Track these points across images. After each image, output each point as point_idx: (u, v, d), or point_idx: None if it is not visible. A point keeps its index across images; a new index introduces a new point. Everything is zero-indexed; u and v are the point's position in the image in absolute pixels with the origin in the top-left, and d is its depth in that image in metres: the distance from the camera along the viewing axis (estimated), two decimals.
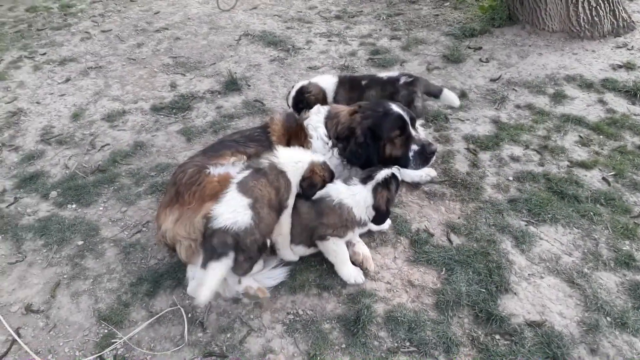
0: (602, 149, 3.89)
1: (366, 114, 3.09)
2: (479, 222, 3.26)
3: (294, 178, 2.76)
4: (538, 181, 3.58)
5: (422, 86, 3.73)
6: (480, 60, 5.32)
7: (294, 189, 2.78)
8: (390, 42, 5.91)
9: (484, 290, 2.78)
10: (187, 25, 6.77)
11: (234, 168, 2.93)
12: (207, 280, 2.36)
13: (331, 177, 2.91)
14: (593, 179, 3.59)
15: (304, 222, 2.80)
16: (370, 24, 6.50)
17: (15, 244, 3.29)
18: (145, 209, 3.54)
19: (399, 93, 3.65)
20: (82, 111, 4.80)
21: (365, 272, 2.91)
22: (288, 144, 3.24)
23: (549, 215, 3.27)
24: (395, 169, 2.92)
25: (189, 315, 2.74)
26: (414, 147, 3.10)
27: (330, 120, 3.22)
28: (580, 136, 4.05)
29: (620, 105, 4.41)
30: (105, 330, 2.69)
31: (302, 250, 2.94)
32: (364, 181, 2.83)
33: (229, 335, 2.64)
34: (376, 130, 3.04)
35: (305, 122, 3.25)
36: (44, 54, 6.05)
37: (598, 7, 5.33)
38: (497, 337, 2.55)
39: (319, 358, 2.49)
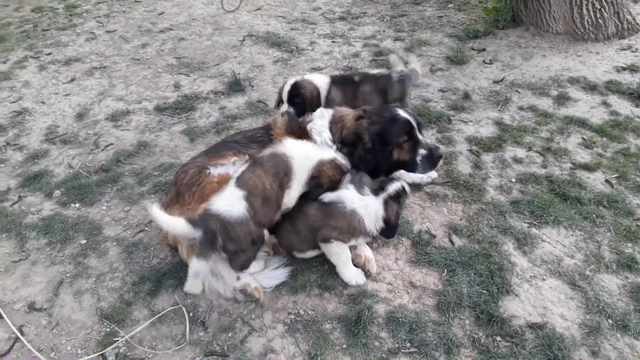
0: (606, 151, 3.88)
1: (373, 119, 3.07)
2: (481, 223, 3.26)
3: (300, 169, 2.72)
4: (541, 183, 3.58)
5: (411, 81, 3.88)
6: (484, 61, 5.32)
7: (299, 180, 2.73)
8: (394, 43, 5.92)
9: (485, 291, 2.78)
10: (192, 25, 6.79)
11: (234, 167, 2.94)
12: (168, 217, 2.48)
13: (341, 174, 2.85)
14: (596, 181, 3.58)
15: (310, 224, 2.78)
16: (374, 25, 6.50)
17: (19, 243, 3.31)
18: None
19: (392, 89, 3.78)
20: (86, 111, 4.83)
21: (367, 274, 2.91)
22: None
23: (551, 217, 3.26)
24: (403, 182, 2.89)
25: (191, 314, 2.76)
26: (422, 151, 3.11)
27: (334, 124, 3.19)
28: (583, 138, 4.04)
29: (624, 107, 4.40)
30: (108, 329, 2.70)
31: (310, 253, 2.95)
32: (376, 192, 2.79)
33: (230, 334, 2.64)
34: (384, 135, 3.03)
35: (309, 126, 3.22)
36: (49, 54, 6.09)
37: (602, 9, 5.31)
38: (498, 338, 2.55)
39: (319, 358, 2.49)
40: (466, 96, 4.71)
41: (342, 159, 2.87)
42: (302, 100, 3.75)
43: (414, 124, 3.08)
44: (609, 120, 4.22)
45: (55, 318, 2.79)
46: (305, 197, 2.80)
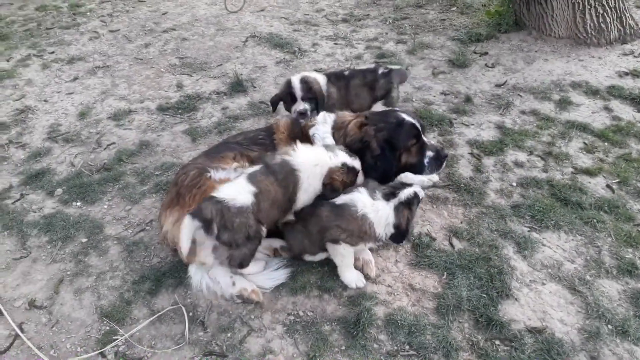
0: (607, 156, 3.88)
1: (379, 126, 3.06)
2: (482, 227, 3.26)
3: (309, 179, 2.75)
4: (542, 187, 3.58)
5: (397, 77, 3.97)
6: (486, 65, 5.32)
7: (307, 189, 2.76)
8: (396, 46, 5.93)
9: (484, 295, 2.78)
10: (195, 26, 6.81)
11: (235, 174, 2.95)
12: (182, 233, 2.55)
13: (354, 175, 2.86)
14: (597, 186, 3.58)
15: (322, 224, 2.76)
16: (377, 27, 6.51)
17: (20, 240, 3.32)
18: (150, 207, 3.56)
19: (379, 82, 3.91)
20: (88, 110, 4.84)
21: (366, 277, 2.92)
22: None
23: (552, 222, 3.26)
24: (417, 187, 2.86)
25: (190, 314, 2.76)
26: (429, 153, 3.14)
27: (337, 130, 3.19)
28: (585, 143, 4.04)
29: (626, 112, 4.40)
30: (107, 327, 2.71)
31: (321, 255, 2.94)
32: (388, 197, 2.77)
33: (229, 334, 2.65)
34: (393, 141, 3.04)
35: (312, 131, 3.21)
36: (53, 52, 6.11)
37: (605, 13, 5.32)
38: (497, 342, 2.55)
39: (318, 359, 2.49)
40: (468, 99, 4.71)
41: (351, 160, 2.86)
42: (314, 96, 3.79)
43: (419, 126, 3.09)
44: (611, 125, 4.22)
45: (55, 316, 2.80)
46: (321, 198, 2.81)
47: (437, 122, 4.36)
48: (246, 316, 2.74)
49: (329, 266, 2.95)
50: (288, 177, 2.72)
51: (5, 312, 2.79)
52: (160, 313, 2.76)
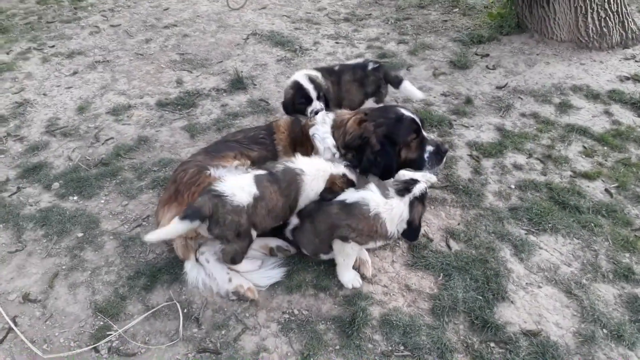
0: (606, 161, 3.87)
1: (378, 121, 3.04)
2: (479, 229, 3.25)
3: (312, 183, 2.76)
4: (540, 190, 3.57)
5: (384, 73, 3.93)
6: (487, 67, 5.31)
7: (309, 193, 2.78)
8: (398, 46, 5.92)
9: (480, 297, 2.77)
10: (196, 22, 6.79)
11: (235, 172, 2.94)
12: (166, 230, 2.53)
13: (352, 186, 2.88)
14: (595, 190, 3.57)
15: (331, 222, 2.73)
16: (379, 27, 6.50)
17: (16, 234, 3.31)
18: (146, 203, 3.55)
19: (369, 78, 3.87)
20: (87, 104, 4.83)
21: (362, 277, 2.91)
22: (294, 154, 3.22)
23: (549, 225, 3.26)
24: (423, 181, 2.84)
25: (185, 310, 2.75)
26: (429, 148, 3.11)
27: (336, 129, 3.17)
28: (584, 147, 4.03)
29: (626, 117, 4.39)
30: (101, 322, 2.70)
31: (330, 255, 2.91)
32: (401, 194, 2.72)
33: (223, 332, 2.64)
34: (393, 136, 3.01)
35: (311, 131, 3.19)
36: (53, 46, 6.10)
37: (607, 18, 5.31)
38: (492, 344, 2.54)
39: (312, 358, 2.49)
40: (468, 101, 4.70)
41: (350, 174, 2.90)
42: (324, 94, 3.72)
43: (419, 121, 3.08)
44: (611, 130, 4.22)
45: (49, 310, 2.79)
46: (320, 199, 2.82)
47: (437, 123, 4.35)
48: (241, 314, 2.73)
49: (325, 265, 2.94)
50: (291, 184, 2.73)
51: None
52: (154, 309, 2.75)
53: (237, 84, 5.08)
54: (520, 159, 3.91)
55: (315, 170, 2.80)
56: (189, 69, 5.50)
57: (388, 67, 4.05)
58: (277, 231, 3.00)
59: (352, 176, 2.91)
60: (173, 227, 2.50)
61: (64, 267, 3.06)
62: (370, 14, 6.96)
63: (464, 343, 2.56)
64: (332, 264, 2.90)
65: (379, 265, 3.01)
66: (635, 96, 4.59)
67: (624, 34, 5.44)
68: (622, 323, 2.63)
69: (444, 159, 3.21)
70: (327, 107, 3.70)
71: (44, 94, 5.03)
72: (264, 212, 2.67)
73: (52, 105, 4.84)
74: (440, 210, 3.43)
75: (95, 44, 6.15)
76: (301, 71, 3.84)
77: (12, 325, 2.67)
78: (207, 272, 2.81)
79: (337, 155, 3.12)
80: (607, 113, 4.45)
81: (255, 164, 3.11)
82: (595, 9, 5.27)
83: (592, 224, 3.25)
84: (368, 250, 3.03)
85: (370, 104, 3.96)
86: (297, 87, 3.66)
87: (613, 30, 5.38)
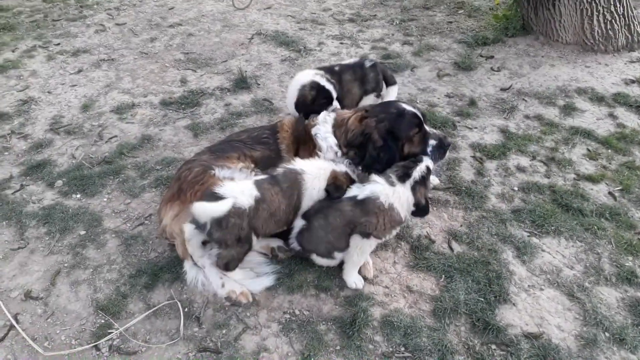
0: (610, 164, 3.85)
1: (380, 117, 3.04)
2: (481, 230, 3.24)
3: (313, 182, 2.78)
4: (543, 193, 3.56)
5: (381, 70, 3.99)
6: (492, 69, 5.30)
7: (312, 193, 2.79)
8: (402, 47, 5.91)
9: (482, 299, 2.76)
10: (201, 21, 6.80)
11: (240, 174, 2.95)
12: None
13: (352, 184, 2.91)
14: (599, 193, 3.56)
15: (348, 219, 2.72)
16: (384, 28, 6.49)
17: (19, 231, 3.32)
18: (149, 202, 3.56)
19: (368, 75, 3.88)
20: (92, 102, 4.84)
21: (364, 278, 2.91)
22: (297, 152, 3.23)
23: (552, 228, 3.24)
24: (427, 160, 2.87)
25: (186, 309, 2.75)
26: (432, 142, 3.11)
27: (338, 128, 3.17)
28: (588, 149, 4.01)
29: (630, 120, 4.37)
30: (102, 320, 2.70)
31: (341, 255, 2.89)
32: (403, 179, 2.76)
33: (224, 331, 2.64)
34: (395, 131, 3.01)
35: (313, 131, 3.20)
36: (58, 44, 6.11)
37: (613, 20, 5.29)
38: (493, 347, 2.53)
39: (313, 359, 2.48)
40: (472, 103, 4.69)
41: (352, 173, 2.96)
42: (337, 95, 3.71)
43: (420, 115, 3.07)
44: (615, 133, 4.20)
45: (50, 307, 2.79)
46: (327, 197, 2.83)
47: (441, 125, 4.34)
48: (242, 313, 2.73)
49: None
50: (293, 185, 2.74)
51: (0, 303, 2.79)
52: (155, 308, 2.76)
53: (241, 83, 5.09)
54: (524, 161, 3.89)
55: (316, 169, 2.82)
56: (193, 68, 5.51)
57: (383, 66, 4.11)
58: (279, 233, 2.99)
59: (353, 176, 2.96)
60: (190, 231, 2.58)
61: (66, 264, 3.07)
62: (375, 15, 6.95)
63: (465, 345, 2.55)
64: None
65: (381, 266, 3.00)
66: None
67: (629, 37, 5.42)
68: (624, 327, 2.61)
69: (447, 152, 3.20)
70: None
71: (49, 92, 5.05)
72: (266, 215, 2.67)
73: (57, 103, 4.85)
74: (443, 212, 3.43)
75: (100, 43, 6.17)
76: (306, 72, 3.80)
77: (14, 323, 2.68)
78: (204, 275, 2.82)
79: (340, 153, 3.11)
80: (612, 116, 4.43)
81: (259, 164, 3.11)
82: (601, 11, 5.25)
83: (596, 227, 3.23)
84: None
85: (371, 99, 3.96)
86: (318, 87, 3.59)
87: (619, 33, 5.36)
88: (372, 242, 2.77)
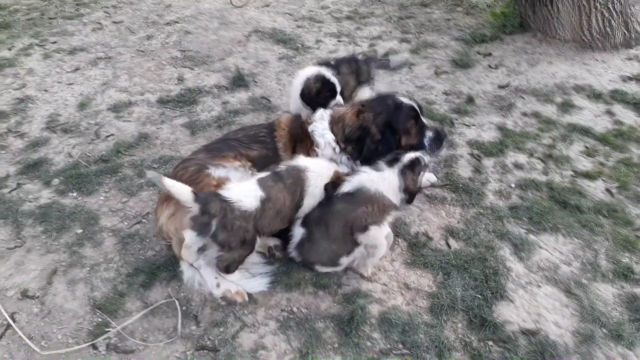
0: (608, 160, 3.86)
1: (377, 110, 3.05)
2: (479, 227, 3.24)
3: (316, 180, 2.79)
4: (541, 190, 3.56)
5: (374, 60, 4.14)
6: (490, 66, 5.29)
7: (314, 191, 2.79)
8: (400, 44, 5.90)
9: (479, 296, 2.77)
10: (198, 19, 6.78)
11: (235, 173, 2.94)
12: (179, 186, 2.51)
13: None
14: (596, 189, 3.56)
15: (345, 218, 2.71)
16: (381, 25, 6.48)
17: (15, 230, 3.31)
18: (146, 200, 3.55)
19: (362, 68, 3.97)
20: (88, 101, 4.82)
21: (360, 276, 2.91)
22: (294, 150, 3.22)
23: (549, 224, 3.25)
24: (422, 153, 2.91)
25: (183, 308, 2.75)
26: (429, 133, 3.12)
27: (335, 125, 3.17)
28: (586, 146, 4.02)
29: (628, 117, 4.37)
30: (99, 319, 2.70)
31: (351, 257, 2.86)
32: (391, 164, 2.80)
33: (222, 329, 2.64)
34: (392, 124, 3.02)
35: (310, 129, 3.19)
36: (55, 42, 6.09)
37: (611, 18, 5.28)
38: (491, 343, 2.54)
39: (311, 356, 2.48)
40: (470, 100, 4.69)
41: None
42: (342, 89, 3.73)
43: (417, 107, 3.07)
44: (613, 130, 4.20)
45: (47, 306, 2.78)
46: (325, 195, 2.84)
47: (439, 122, 4.33)
48: (239, 311, 2.73)
49: None
50: (296, 181, 2.74)
51: None
52: (153, 306, 2.75)
53: (239, 81, 5.07)
54: (521, 158, 3.90)
55: (320, 168, 2.84)
56: (191, 66, 5.49)
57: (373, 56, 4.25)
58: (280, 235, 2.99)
59: None
60: (182, 188, 2.49)
61: (62, 263, 3.06)
62: (373, 12, 6.93)
63: (463, 341, 2.55)
64: None
65: (378, 264, 3.00)
66: (637, 96, 4.58)
67: (627, 34, 5.41)
68: (621, 323, 2.62)
69: (444, 144, 3.21)
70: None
71: (45, 90, 5.02)
72: (273, 213, 2.67)
73: (53, 101, 4.84)
74: (440, 209, 3.43)
75: (97, 41, 6.15)
76: (312, 67, 3.79)
77: (11, 322, 2.67)
78: (200, 274, 2.81)
79: (338, 149, 3.11)
80: (609, 113, 4.43)
81: (256, 163, 3.11)
82: (599, 8, 5.25)
83: (593, 224, 3.24)
84: None
85: (366, 91, 4.00)
86: (324, 80, 3.61)
87: (616, 30, 5.36)
88: (377, 229, 2.71)
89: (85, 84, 5.13)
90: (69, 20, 6.77)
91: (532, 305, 2.74)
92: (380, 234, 2.73)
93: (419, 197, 3.50)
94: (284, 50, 5.84)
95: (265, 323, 2.67)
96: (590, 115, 4.42)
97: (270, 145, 3.24)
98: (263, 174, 2.78)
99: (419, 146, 3.13)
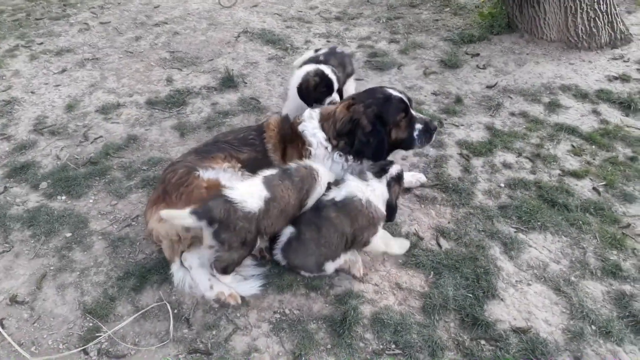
0: (594, 159, 3.91)
1: (367, 102, 3.05)
2: (469, 227, 3.27)
3: (324, 178, 2.84)
4: (529, 189, 3.60)
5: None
6: (478, 66, 5.34)
7: (319, 192, 2.83)
8: (389, 45, 5.92)
9: (471, 295, 2.79)
10: (187, 20, 6.75)
11: (224, 174, 2.93)
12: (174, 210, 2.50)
13: None
14: (584, 188, 3.61)
15: (339, 229, 2.71)
16: (370, 26, 6.50)
17: (3, 234, 3.27)
18: (136, 203, 3.52)
19: (345, 60, 4.07)
20: (76, 102, 4.77)
21: (353, 277, 2.92)
22: (284, 151, 3.22)
23: (538, 223, 3.28)
24: (397, 164, 2.94)
25: (175, 311, 2.73)
26: (418, 126, 3.13)
27: (325, 122, 3.17)
28: (573, 145, 4.07)
29: (613, 116, 4.44)
30: (90, 324, 2.67)
31: (343, 257, 2.87)
32: (379, 175, 2.81)
33: (214, 332, 2.63)
34: (383, 116, 3.02)
35: (300, 128, 3.19)
36: (41, 43, 6.02)
37: (597, 18, 5.35)
38: (482, 342, 2.56)
39: (304, 358, 2.49)
40: (458, 100, 4.72)
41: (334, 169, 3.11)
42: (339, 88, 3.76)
43: (406, 100, 3.09)
44: (599, 129, 4.26)
45: (37, 312, 2.75)
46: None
47: None
48: (232, 314, 2.72)
49: None
50: (304, 179, 2.75)
51: None
52: (144, 310, 2.74)
53: (228, 82, 5.06)
54: (510, 157, 3.93)
55: (324, 168, 2.92)
56: (179, 67, 5.46)
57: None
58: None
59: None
60: (179, 214, 2.48)
61: (52, 268, 3.02)
62: (362, 13, 6.95)
63: (455, 341, 2.57)
64: None
65: (370, 264, 3.01)
66: (622, 95, 4.64)
67: (612, 34, 5.49)
68: (610, 319, 2.65)
69: (434, 136, 3.22)
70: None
71: (32, 92, 4.97)
72: (277, 212, 2.66)
73: (40, 103, 4.78)
74: (431, 209, 3.45)
75: (84, 42, 6.09)
76: (309, 65, 3.78)
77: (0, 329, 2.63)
78: (191, 277, 2.80)
79: (330, 147, 3.11)
80: (595, 112, 4.49)
81: (246, 165, 3.10)
82: (585, 9, 5.31)
83: (581, 222, 3.28)
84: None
85: (352, 82, 4.12)
86: (322, 76, 3.64)
87: (602, 30, 5.43)
88: (375, 237, 2.77)
89: (73, 86, 5.09)
90: (55, 21, 6.70)
91: (523, 303, 2.77)
92: (379, 243, 2.81)
93: (410, 196, 3.53)
94: (274, 50, 5.83)
95: (258, 325, 2.67)
96: (576, 114, 4.48)
97: (259, 148, 3.23)
98: (270, 172, 2.79)
99: (408, 139, 3.15)
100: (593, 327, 2.64)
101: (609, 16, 5.41)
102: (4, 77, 5.24)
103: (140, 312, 2.72)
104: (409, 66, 5.41)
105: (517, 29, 5.88)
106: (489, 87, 4.95)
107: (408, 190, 3.58)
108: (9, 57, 5.66)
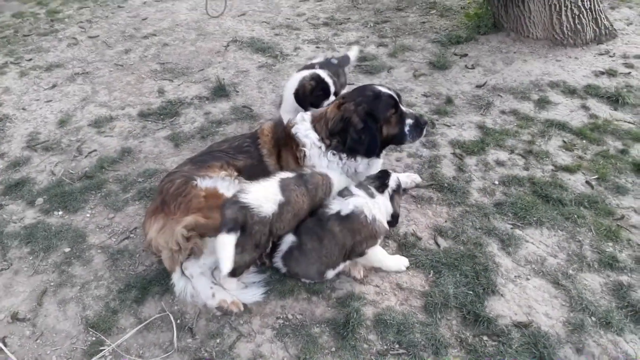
0: (585, 154, 3.97)
1: (358, 100, 3.08)
2: (466, 225, 3.30)
3: (337, 186, 2.96)
4: (523, 185, 3.64)
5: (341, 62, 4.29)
6: (466, 66, 5.40)
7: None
8: (378, 49, 5.98)
9: (471, 292, 2.81)
10: (175, 31, 6.77)
11: (222, 182, 2.94)
12: (222, 254, 2.42)
13: None
14: (577, 182, 3.66)
15: (341, 242, 2.75)
16: (358, 31, 6.56)
17: (1, 252, 3.25)
18: (133, 215, 3.52)
19: (339, 71, 4.13)
20: (68, 117, 4.77)
21: (353, 279, 2.93)
22: (279, 155, 3.25)
23: (534, 218, 3.32)
24: (393, 174, 3.04)
25: (178, 321, 2.73)
26: (409, 121, 3.16)
27: (317, 123, 3.20)
28: (564, 141, 4.12)
29: (602, 110, 4.50)
30: (93, 338, 2.67)
31: (342, 266, 2.90)
32: (381, 189, 2.89)
33: (218, 340, 2.63)
34: (373, 113, 3.05)
35: (293, 131, 3.21)
36: (30, 59, 6.01)
37: (581, 15, 5.44)
38: (485, 338, 2.58)
39: None
40: (449, 101, 4.77)
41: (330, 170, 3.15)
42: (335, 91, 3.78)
43: (396, 96, 3.12)
44: (588, 123, 4.32)
45: (39, 328, 2.74)
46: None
47: None
48: (235, 321, 2.72)
49: None
50: (318, 186, 2.84)
51: None
52: (147, 321, 2.73)
53: (220, 91, 5.08)
54: (503, 155, 3.98)
55: (339, 175, 3.03)
56: (170, 78, 5.47)
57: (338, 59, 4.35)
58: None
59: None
60: (227, 243, 2.43)
61: (52, 283, 3.01)
62: (349, 18, 7.01)
63: (458, 338, 2.59)
64: None
65: (370, 266, 3.03)
66: (610, 90, 4.71)
67: (597, 30, 5.58)
68: (609, 310, 2.69)
69: (425, 131, 3.24)
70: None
71: (23, 109, 4.95)
72: (290, 216, 2.72)
73: (32, 119, 4.77)
74: (427, 209, 3.48)
75: (73, 56, 6.08)
76: (306, 70, 3.82)
77: (2, 346, 2.62)
78: (192, 286, 2.80)
79: (324, 147, 3.13)
80: (584, 107, 4.56)
81: (242, 173, 3.12)
82: (569, 6, 5.40)
83: (575, 216, 3.32)
84: None
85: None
86: (319, 79, 3.67)
87: (587, 26, 5.51)
88: (373, 250, 2.84)
89: (64, 101, 5.08)
90: (43, 37, 6.69)
91: (523, 298, 2.80)
92: (377, 255, 2.88)
93: (406, 197, 3.56)
94: (264, 58, 5.86)
95: (262, 332, 2.67)
96: (566, 110, 4.54)
97: (255, 154, 3.25)
98: (287, 174, 2.84)
99: (399, 134, 3.17)
100: (593, 319, 2.67)
101: (593, 13, 5.50)
102: None
103: (143, 324, 2.72)
104: (398, 69, 5.46)
105: (504, 29, 5.95)
106: (478, 86, 5.01)
107: (404, 191, 3.61)
108: None
